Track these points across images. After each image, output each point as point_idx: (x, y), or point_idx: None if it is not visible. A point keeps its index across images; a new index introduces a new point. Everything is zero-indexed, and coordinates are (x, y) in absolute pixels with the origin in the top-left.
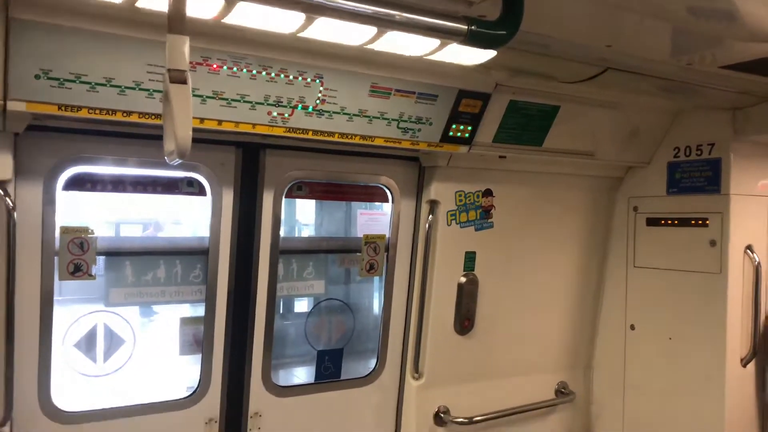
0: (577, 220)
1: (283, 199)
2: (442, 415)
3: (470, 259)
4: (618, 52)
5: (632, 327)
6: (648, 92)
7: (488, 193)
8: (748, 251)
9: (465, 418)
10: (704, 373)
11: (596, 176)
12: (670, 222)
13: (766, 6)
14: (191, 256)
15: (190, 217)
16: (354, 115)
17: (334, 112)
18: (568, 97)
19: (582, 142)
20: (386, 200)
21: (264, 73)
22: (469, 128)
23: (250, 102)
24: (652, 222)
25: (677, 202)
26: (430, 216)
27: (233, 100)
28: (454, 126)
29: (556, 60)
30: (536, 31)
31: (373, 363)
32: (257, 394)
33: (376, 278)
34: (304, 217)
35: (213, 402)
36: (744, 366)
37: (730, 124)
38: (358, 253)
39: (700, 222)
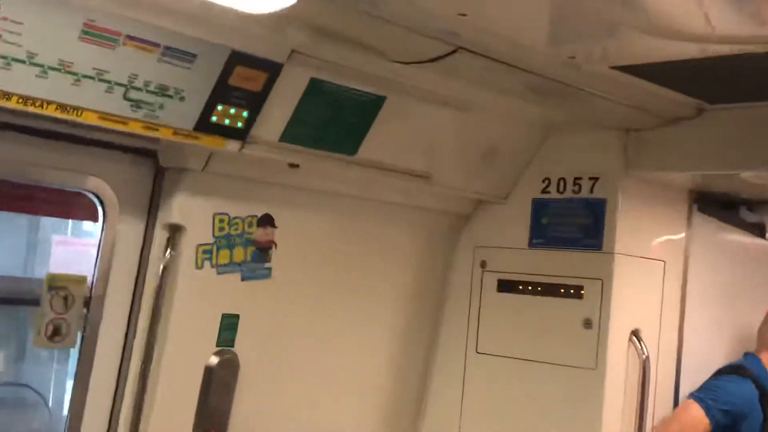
0: (400, 275)
1: None
2: None
3: (230, 326)
4: (475, 26)
5: None
6: (512, 91)
7: (267, 221)
8: (635, 338)
9: None
10: None
11: (431, 210)
12: (530, 288)
13: None
14: None
15: None
16: (51, 68)
17: (14, 59)
18: (400, 86)
19: (414, 156)
20: (94, 218)
21: None
22: (245, 114)
23: None
24: (505, 286)
25: (543, 259)
26: (169, 250)
27: None
28: (220, 107)
29: (387, 25)
30: None
31: None
32: None
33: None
34: None
35: None
36: None
37: (620, 152)
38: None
39: (572, 291)
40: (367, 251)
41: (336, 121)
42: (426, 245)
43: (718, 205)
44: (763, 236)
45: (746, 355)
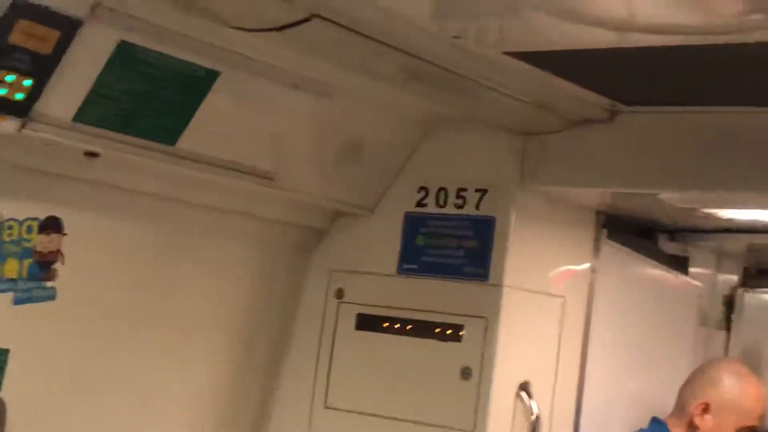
0: (230, 303)
1: None
2: None
3: None
4: None
5: None
6: (383, 76)
7: (53, 226)
8: (524, 393)
9: None
10: None
11: (273, 221)
12: (397, 327)
13: None
14: None
15: None
16: None
17: None
18: (239, 59)
19: (254, 151)
20: None
21: None
22: (28, 83)
23: None
24: (366, 323)
25: (415, 290)
26: None
27: None
28: None
29: None
30: None
31: None
32: None
33: None
34: None
35: None
36: None
37: (516, 159)
38: None
39: (449, 332)
40: (188, 270)
41: (151, 99)
42: (266, 266)
43: (632, 231)
44: (685, 272)
45: (654, 421)
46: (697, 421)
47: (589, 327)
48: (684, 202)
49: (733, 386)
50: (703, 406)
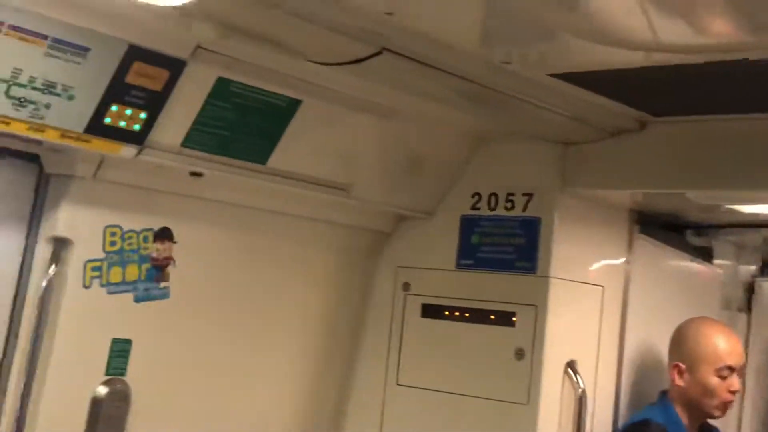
0: (313, 297)
1: None
2: None
3: (121, 353)
4: (401, 25)
5: None
6: (441, 98)
7: (165, 234)
8: (570, 371)
9: None
10: None
11: (348, 226)
12: (457, 314)
13: None
14: None
15: None
16: None
17: None
18: (318, 89)
19: (331, 167)
20: None
21: None
22: (143, 116)
23: None
24: (430, 311)
25: (471, 282)
26: (53, 266)
27: None
28: (114, 107)
29: (303, 23)
30: None
31: None
32: None
33: None
34: None
35: None
36: None
37: (557, 167)
38: None
39: (503, 318)
40: (277, 271)
41: (245, 126)
42: (342, 265)
43: (662, 227)
44: (709, 262)
45: (661, 397)
46: (678, 383)
47: (626, 311)
48: (708, 199)
49: (693, 339)
50: (677, 370)
